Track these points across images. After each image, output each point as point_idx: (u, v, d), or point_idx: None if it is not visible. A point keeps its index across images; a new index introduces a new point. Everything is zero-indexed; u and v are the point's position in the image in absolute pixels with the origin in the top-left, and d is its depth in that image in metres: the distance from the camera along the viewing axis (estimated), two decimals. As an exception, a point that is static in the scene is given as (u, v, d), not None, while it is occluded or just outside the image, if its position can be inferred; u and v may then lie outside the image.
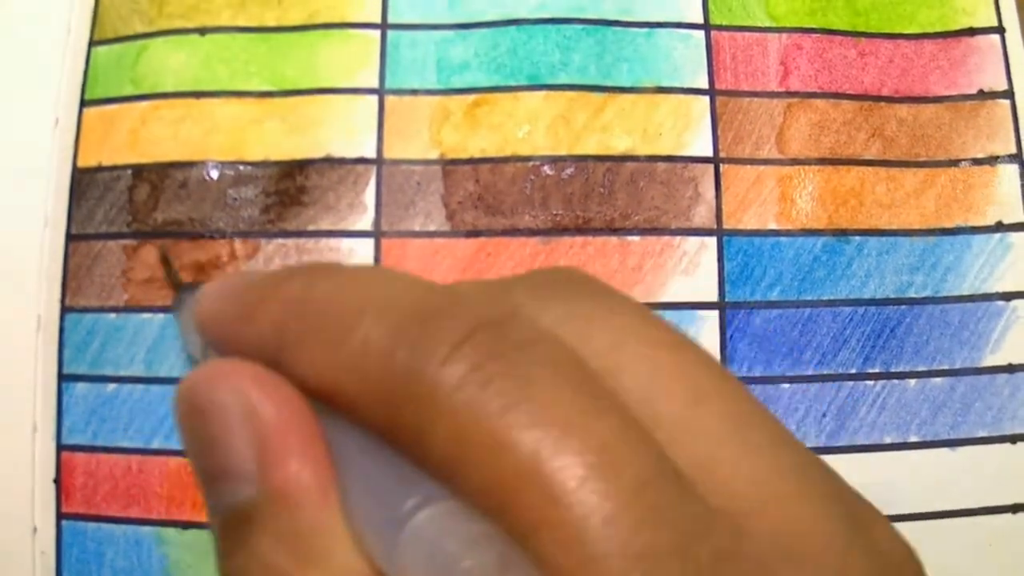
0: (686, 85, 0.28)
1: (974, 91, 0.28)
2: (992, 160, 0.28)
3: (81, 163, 0.28)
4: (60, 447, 0.27)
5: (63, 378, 0.27)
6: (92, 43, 0.29)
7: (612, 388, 0.12)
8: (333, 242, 0.27)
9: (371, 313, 0.13)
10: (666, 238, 0.27)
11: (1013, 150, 0.28)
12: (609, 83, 0.28)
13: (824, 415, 0.26)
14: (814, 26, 0.29)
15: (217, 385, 0.14)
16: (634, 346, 0.13)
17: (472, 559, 0.11)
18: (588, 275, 0.15)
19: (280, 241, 0.27)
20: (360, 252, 0.27)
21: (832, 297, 0.27)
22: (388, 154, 0.28)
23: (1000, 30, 0.28)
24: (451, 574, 0.11)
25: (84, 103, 0.29)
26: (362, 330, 0.13)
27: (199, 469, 0.14)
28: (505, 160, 0.28)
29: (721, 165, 0.27)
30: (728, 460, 0.12)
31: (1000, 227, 0.27)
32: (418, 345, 0.12)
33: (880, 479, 0.26)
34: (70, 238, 0.28)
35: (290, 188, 0.28)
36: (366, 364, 0.13)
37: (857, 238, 0.27)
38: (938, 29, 0.29)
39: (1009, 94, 0.28)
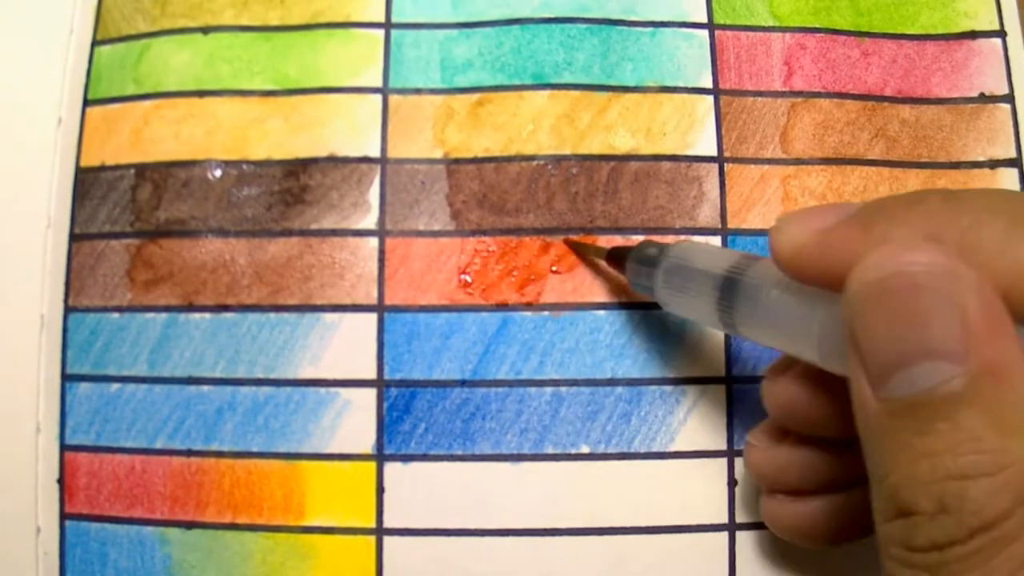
0: (690, 85, 0.28)
1: (975, 94, 0.28)
2: (992, 164, 0.28)
3: (84, 162, 0.28)
4: (63, 447, 0.27)
5: (66, 378, 0.27)
6: (95, 42, 0.29)
7: None
8: (337, 240, 0.27)
9: None
10: (670, 237, 0.27)
11: (1013, 155, 0.28)
12: (613, 82, 0.28)
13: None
14: (818, 25, 0.29)
15: (919, 265, 0.15)
16: None
17: None
18: None
19: (284, 240, 0.27)
20: (364, 251, 0.27)
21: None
22: (392, 153, 0.28)
23: (1002, 34, 0.29)
24: None
25: (87, 102, 0.29)
26: None
27: (883, 352, 0.15)
28: (509, 159, 0.28)
29: (725, 164, 0.28)
30: None
31: (1001, 229, 0.27)
32: None
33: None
34: (73, 238, 0.28)
35: (293, 187, 0.28)
36: None
37: (860, 238, 0.27)
38: (940, 31, 0.29)
39: (1010, 98, 0.28)
